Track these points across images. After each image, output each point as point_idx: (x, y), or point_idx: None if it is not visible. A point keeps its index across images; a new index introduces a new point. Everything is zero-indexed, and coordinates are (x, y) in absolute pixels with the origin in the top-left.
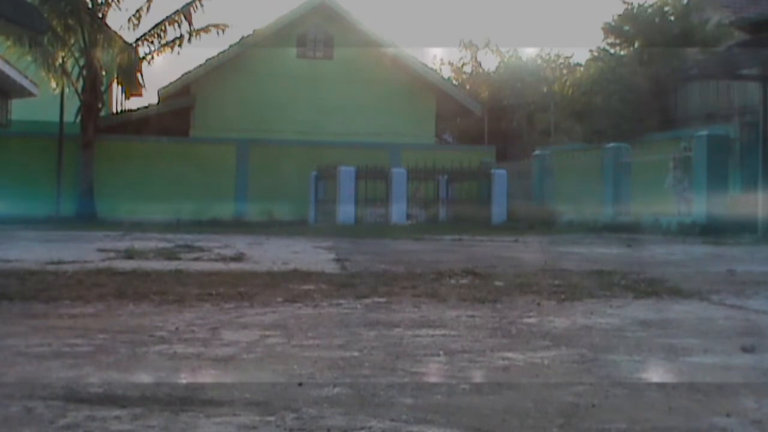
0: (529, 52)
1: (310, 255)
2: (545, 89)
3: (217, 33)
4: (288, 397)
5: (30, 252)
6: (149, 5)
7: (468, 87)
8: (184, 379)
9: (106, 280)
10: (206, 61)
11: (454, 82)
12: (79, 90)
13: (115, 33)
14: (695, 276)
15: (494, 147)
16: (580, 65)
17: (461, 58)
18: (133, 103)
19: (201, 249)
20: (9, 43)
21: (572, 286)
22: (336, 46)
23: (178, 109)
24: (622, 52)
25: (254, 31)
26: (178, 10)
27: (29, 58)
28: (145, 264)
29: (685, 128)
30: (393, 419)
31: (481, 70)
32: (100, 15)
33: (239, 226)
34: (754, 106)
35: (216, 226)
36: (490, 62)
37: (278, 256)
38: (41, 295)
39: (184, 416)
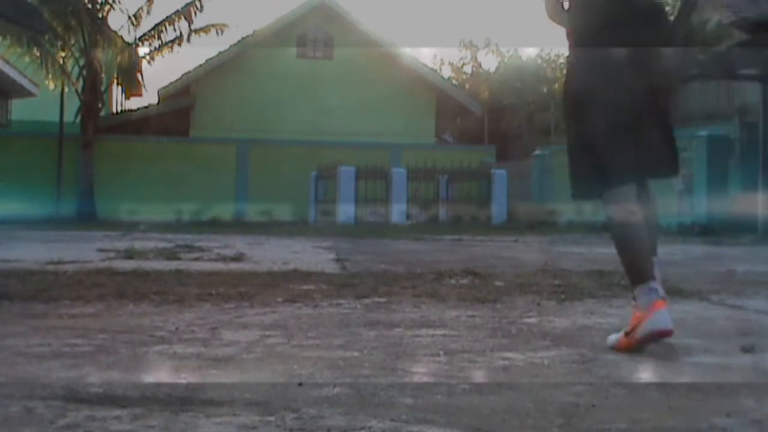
0: (529, 52)
1: (310, 255)
2: (545, 89)
3: (216, 33)
4: (288, 397)
5: (30, 252)
6: (149, 5)
7: (468, 87)
8: (184, 379)
9: (106, 280)
10: (206, 61)
11: (454, 82)
12: (79, 90)
13: (115, 33)
14: (695, 276)
15: (494, 147)
16: None
17: (461, 58)
18: (133, 103)
19: (201, 249)
20: (9, 43)
21: (572, 286)
22: (336, 46)
23: (178, 109)
24: None
25: (254, 31)
26: (178, 11)
27: (29, 58)
28: (145, 264)
29: (685, 128)
30: (393, 419)
31: (481, 70)
32: (100, 15)
33: (239, 226)
34: (754, 106)
35: (216, 226)
36: (490, 62)
37: (278, 256)
38: (41, 295)
39: (184, 416)
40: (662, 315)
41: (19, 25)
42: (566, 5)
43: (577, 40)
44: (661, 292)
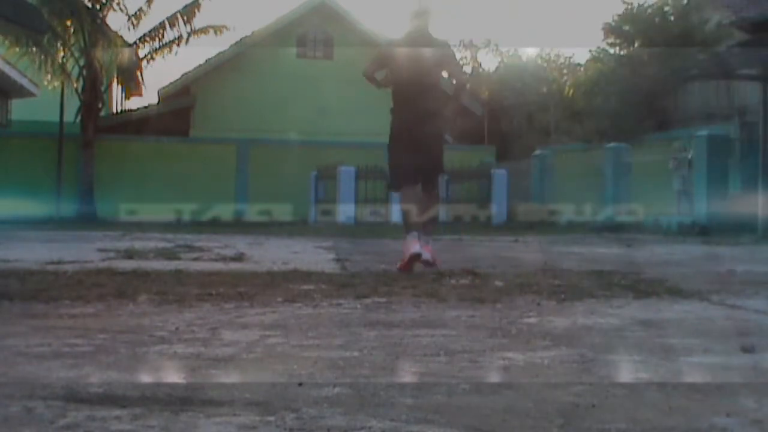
0: (529, 52)
1: (310, 255)
2: (545, 89)
3: (215, 33)
4: (288, 397)
5: (30, 252)
6: (149, 5)
7: (468, 87)
8: (184, 379)
9: (106, 280)
10: (206, 61)
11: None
12: (79, 90)
13: (115, 33)
14: (695, 276)
15: (494, 147)
16: (581, 65)
17: (461, 58)
18: (133, 103)
19: (201, 249)
20: (9, 43)
21: (572, 286)
22: (336, 46)
23: (178, 109)
24: (622, 52)
25: (254, 31)
26: (178, 11)
27: (29, 58)
28: (145, 264)
29: (685, 128)
30: (393, 419)
31: (481, 70)
32: (100, 15)
33: (239, 226)
34: (754, 106)
35: (216, 226)
36: (490, 62)
37: (278, 256)
38: (41, 295)
39: (184, 416)
40: (417, 246)
41: (19, 25)
42: (382, 74)
43: (394, 103)
44: (417, 235)
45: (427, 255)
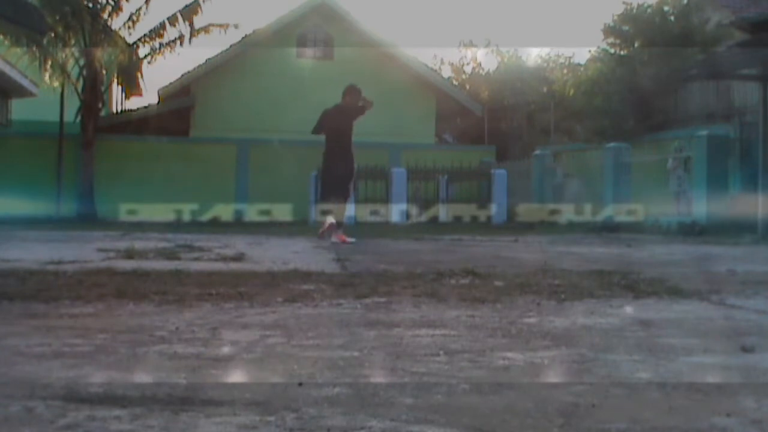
0: (529, 52)
1: (310, 255)
2: (545, 89)
3: (219, 32)
4: (288, 397)
5: (30, 252)
6: (148, 5)
7: (468, 87)
8: (184, 379)
9: (106, 280)
10: (206, 61)
11: (454, 82)
12: (79, 90)
13: (116, 33)
14: (695, 276)
15: (494, 147)
16: (581, 65)
17: (461, 58)
18: (133, 103)
19: (201, 249)
20: (9, 43)
21: (572, 286)
22: (336, 46)
23: (178, 109)
24: (622, 53)
25: (254, 31)
26: (178, 11)
27: (29, 58)
28: (145, 264)
29: (685, 128)
30: (393, 419)
31: (481, 70)
32: (103, 16)
33: (239, 226)
34: (754, 106)
35: (216, 226)
36: (490, 62)
37: (278, 256)
38: (41, 295)
39: (184, 416)
40: (331, 220)
41: (19, 25)
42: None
43: (325, 144)
44: (333, 218)
45: (336, 239)
